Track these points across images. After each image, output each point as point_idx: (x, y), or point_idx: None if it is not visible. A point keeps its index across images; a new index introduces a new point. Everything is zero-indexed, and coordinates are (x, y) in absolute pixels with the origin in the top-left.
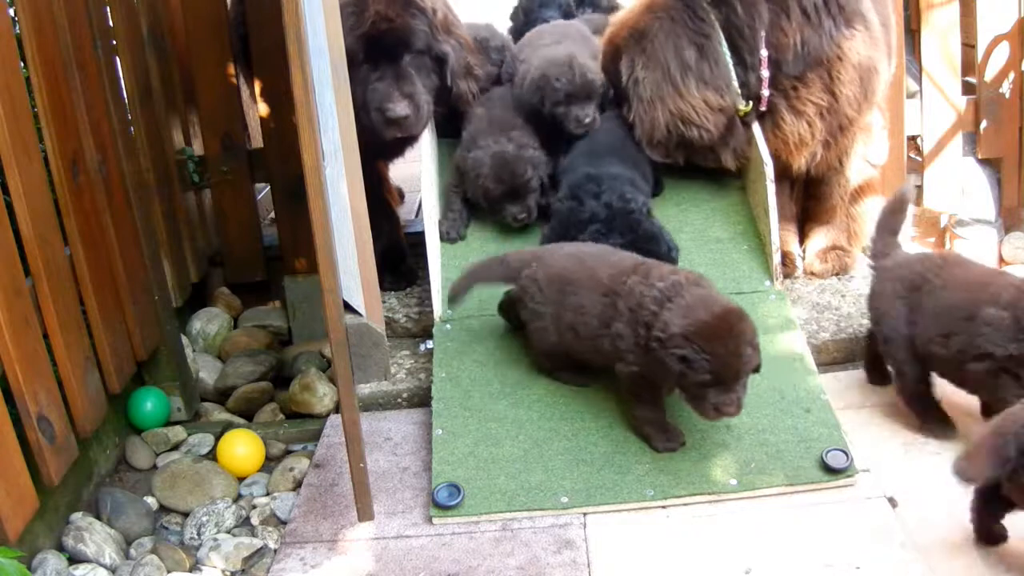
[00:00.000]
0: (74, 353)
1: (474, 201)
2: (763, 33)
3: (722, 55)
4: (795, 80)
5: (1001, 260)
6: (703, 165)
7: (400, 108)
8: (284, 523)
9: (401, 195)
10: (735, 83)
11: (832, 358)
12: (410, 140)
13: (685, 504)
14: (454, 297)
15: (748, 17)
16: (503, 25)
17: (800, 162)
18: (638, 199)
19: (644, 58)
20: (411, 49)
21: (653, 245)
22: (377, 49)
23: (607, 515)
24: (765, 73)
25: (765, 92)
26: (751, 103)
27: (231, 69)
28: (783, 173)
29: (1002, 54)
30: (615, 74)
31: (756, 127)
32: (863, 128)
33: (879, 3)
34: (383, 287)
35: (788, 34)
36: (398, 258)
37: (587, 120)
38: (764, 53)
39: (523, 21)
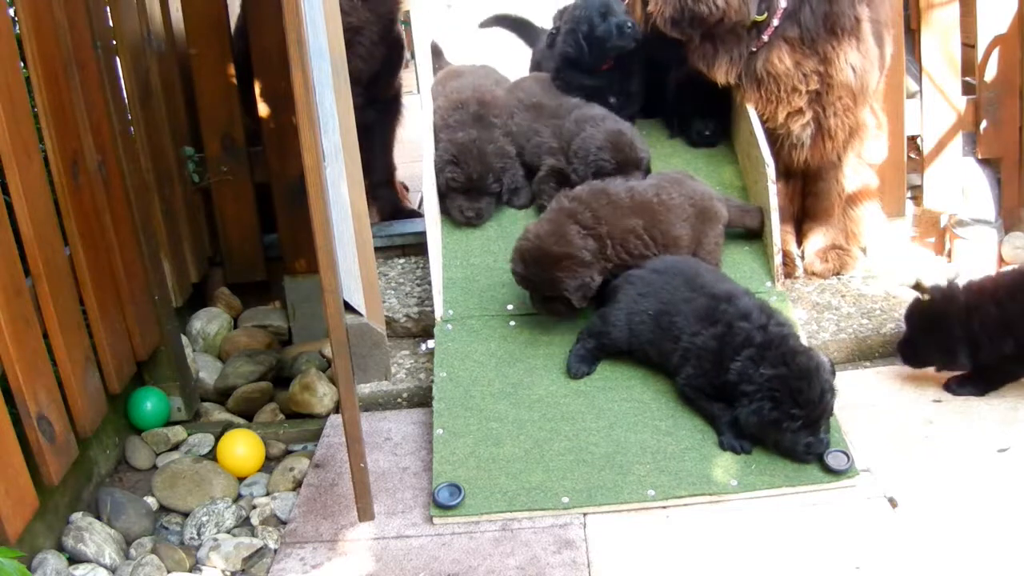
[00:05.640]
0: (74, 353)
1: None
2: None
3: None
4: (800, 37)
5: (1001, 260)
6: (698, 63)
7: None
8: (284, 523)
9: (406, 188)
10: None
11: (832, 358)
12: None
13: (686, 504)
14: None
15: None
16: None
17: (781, 116)
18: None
19: None
20: None
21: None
22: None
23: (607, 515)
24: (783, 4)
25: (776, 21)
26: (765, 15)
27: (231, 69)
28: (786, 172)
29: (1002, 54)
30: None
31: (756, 124)
32: (859, 125)
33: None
34: None
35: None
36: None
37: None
38: None
39: None
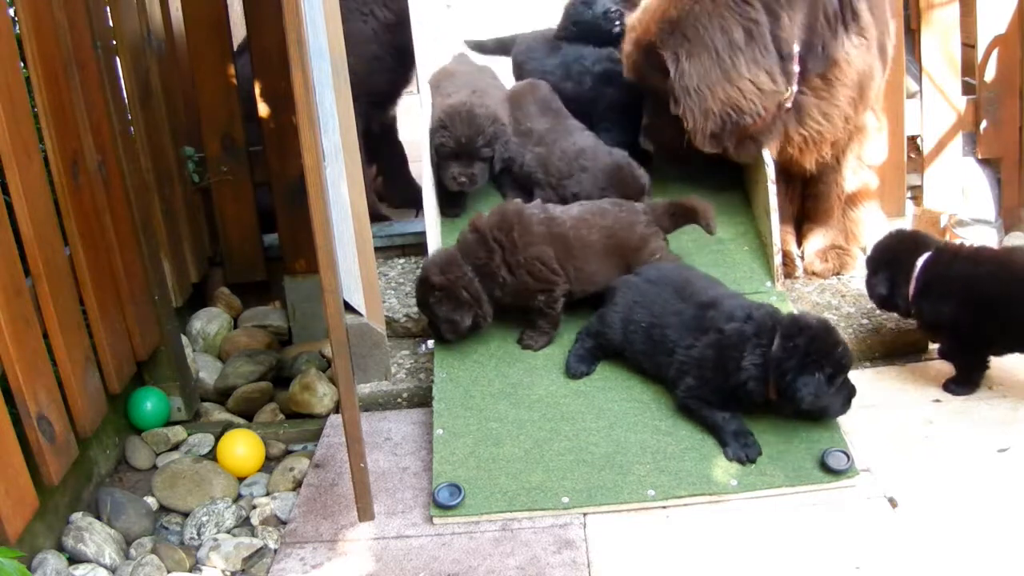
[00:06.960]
0: (74, 353)
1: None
2: (797, 30)
3: (770, 40)
4: (817, 78)
5: None
6: (741, 159)
7: None
8: (284, 523)
9: None
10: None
11: None
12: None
13: (686, 504)
14: None
15: (789, 7)
16: None
17: (811, 161)
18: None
19: (688, 45)
20: None
21: None
22: None
23: (607, 515)
24: (796, 68)
25: (795, 87)
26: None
27: (231, 69)
28: (785, 173)
29: (1002, 54)
30: (649, 74)
31: None
32: (859, 128)
33: (878, 10)
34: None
35: (817, 32)
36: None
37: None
38: (797, 48)
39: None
